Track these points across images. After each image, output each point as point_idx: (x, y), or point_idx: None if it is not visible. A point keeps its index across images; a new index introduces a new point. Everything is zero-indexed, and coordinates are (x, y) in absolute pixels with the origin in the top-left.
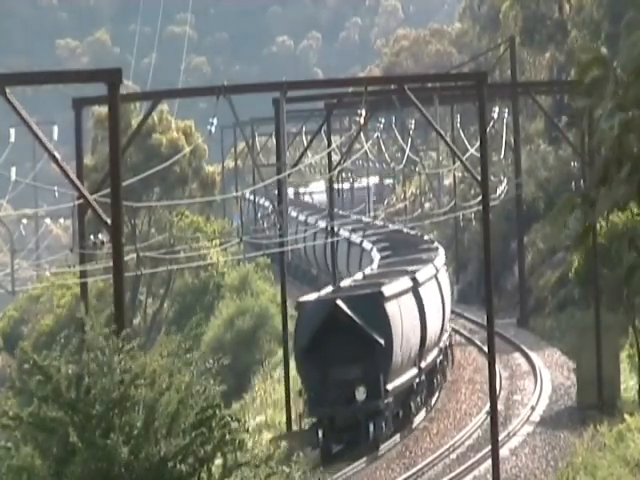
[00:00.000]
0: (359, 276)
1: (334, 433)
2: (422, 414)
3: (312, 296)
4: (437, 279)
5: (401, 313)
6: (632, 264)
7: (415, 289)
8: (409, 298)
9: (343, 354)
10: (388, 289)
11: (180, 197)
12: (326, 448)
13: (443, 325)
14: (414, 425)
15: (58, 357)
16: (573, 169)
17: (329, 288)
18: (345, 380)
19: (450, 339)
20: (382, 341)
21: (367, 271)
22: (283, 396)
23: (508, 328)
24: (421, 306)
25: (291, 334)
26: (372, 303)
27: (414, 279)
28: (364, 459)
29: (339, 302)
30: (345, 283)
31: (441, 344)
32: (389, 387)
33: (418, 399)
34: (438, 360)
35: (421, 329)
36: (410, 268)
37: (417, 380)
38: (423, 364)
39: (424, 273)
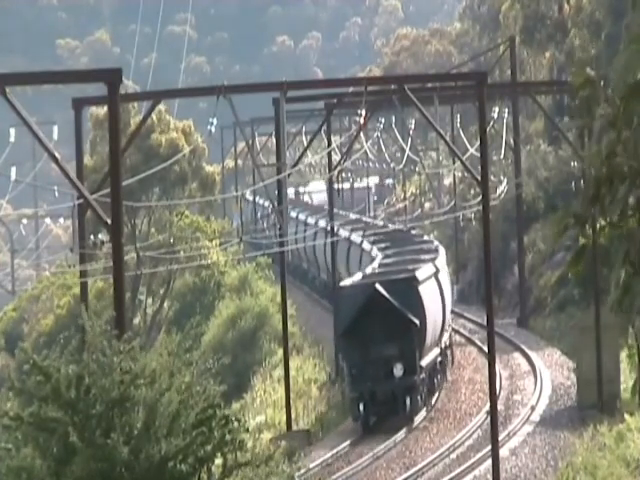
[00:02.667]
0: (375, 264)
1: (374, 406)
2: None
3: (349, 281)
4: (446, 268)
5: (430, 296)
6: (626, 280)
7: (436, 275)
8: (433, 282)
9: (382, 334)
10: (420, 274)
11: (180, 197)
12: (366, 420)
13: (451, 310)
14: (432, 401)
15: (58, 357)
16: (573, 169)
17: (359, 274)
18: (384, 358)
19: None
20: (417, 322)
21: (381, 260)
22: (283, 396)
23: (508, 328)
24: (441, 290)
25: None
26: (407, 286)
27: (435, 266)
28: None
29: (378, 286)
30: (368, 270)
31: (449, 328)
32: (422, 364)
33: (439, 375)
34: (448, 342)
35: (442, 311)
36: (427, 256)
37: (439, 358)
38: (442, 344)
39: (440, 261)
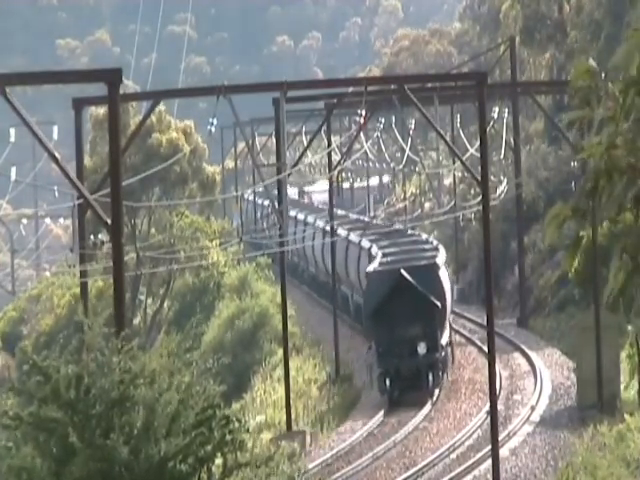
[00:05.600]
0: (380, 254)
1: (399, 381)
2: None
3: (375, 267)
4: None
5: (446, 281)
6: (625, 279)
7: (445, 262)
8: (445, 269)
9: (407, 315)
10: (439, 260)
11: (180, 197)
12: (392, 394)
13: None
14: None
15: (57, 357)
16: (573, 169)
17: (376, 262)
18: (409, 337)
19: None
20: (439, 304)
21: (389, 250)
22: (283, 396)
23: (508, 328)
24: (449, 276)
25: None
26: (429, 272)
27: (443, 254)
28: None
29: (403, 272)
30: (383, 259)
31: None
32: (442, 342)
33: (450, 353)
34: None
35: (451, 295)
36: (432, 246)
37: (450, 338)
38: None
39: (444, 251)
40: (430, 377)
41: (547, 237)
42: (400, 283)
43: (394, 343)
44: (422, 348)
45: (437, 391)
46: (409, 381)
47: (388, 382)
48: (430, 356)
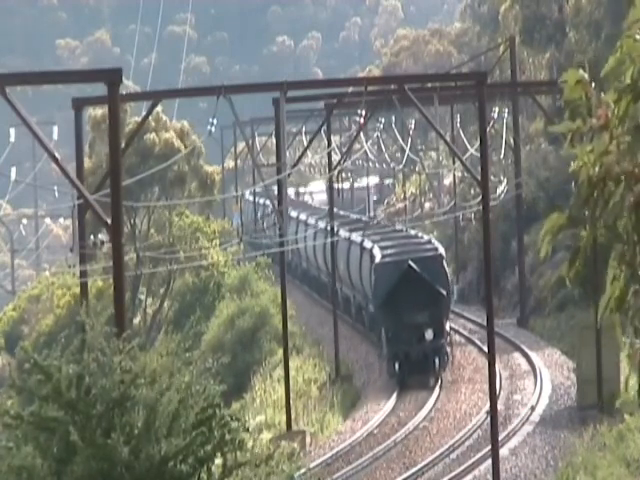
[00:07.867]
0: (377, 248)
1: (408, 365)
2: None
3: (378, 258)
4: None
5: (448, 271)
6: (622, 288)
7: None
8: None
9: (415, 303)
10: (443, 251)
11: (179, 197)
12: (400, 378)
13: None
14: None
15: (58, 357)
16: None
17: (379, 255)
18: (416, 324)
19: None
20: (444, 292)
21: (390, 243)
22: (283, 396)
23: (508, 328)
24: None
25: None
26: (435, 262)
27: (441, 247)
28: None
29: (411, 263)
30: (389, 251)
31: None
32: (447, 329)
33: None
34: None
35: (451, 284)
36: (425, 240)
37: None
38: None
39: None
40: (437, 361)
41: (542, 249)
42: (408, 273)
43: (403, 330)
44: (429, 334)
45: (440, 379)
46: (417, 365)
47: (397, 366)
48: (436, 342)
